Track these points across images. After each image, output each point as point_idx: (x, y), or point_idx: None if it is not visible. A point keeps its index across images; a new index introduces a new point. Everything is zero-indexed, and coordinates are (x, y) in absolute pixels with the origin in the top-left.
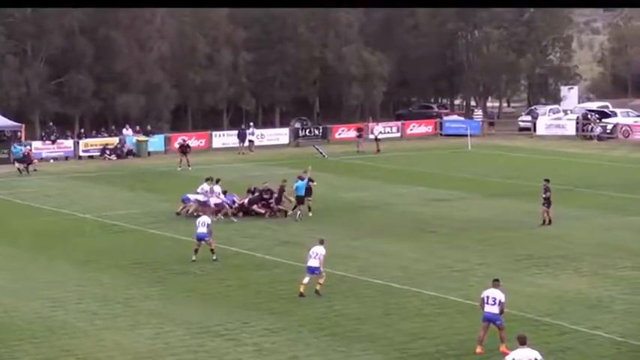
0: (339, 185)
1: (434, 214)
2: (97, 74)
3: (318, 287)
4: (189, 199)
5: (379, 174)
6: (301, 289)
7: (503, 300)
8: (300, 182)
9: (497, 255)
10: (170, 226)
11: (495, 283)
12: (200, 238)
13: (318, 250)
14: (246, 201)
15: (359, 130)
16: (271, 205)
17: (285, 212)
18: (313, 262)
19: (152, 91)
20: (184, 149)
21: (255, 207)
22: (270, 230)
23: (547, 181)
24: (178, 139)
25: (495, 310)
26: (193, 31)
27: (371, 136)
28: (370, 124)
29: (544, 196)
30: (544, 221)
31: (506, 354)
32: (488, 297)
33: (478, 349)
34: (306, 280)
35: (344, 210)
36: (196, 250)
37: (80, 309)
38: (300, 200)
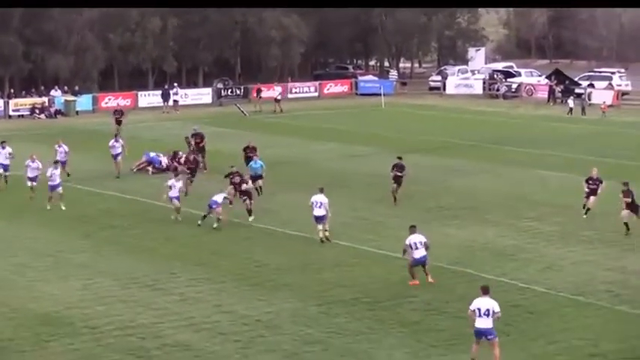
0: (259, 142)
1: (349, 170)
2: (26, 36)
3: (327, 234)
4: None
5: (297, 131)
6: (320, 235)
7: (427, 241)
8: (254, 162)
9: (409, 207)
10: (97, 182)
11: (413, 229)
12: (210, 206)
13: (321, 199)
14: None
15: (258, 91)
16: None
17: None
18: (319, 212)
19: (81, 52)
20: (119, 117)
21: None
22: (195, 186)
23: (400, 158)
24: (105, 99)
25: (423, 252)
26: None
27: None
28: (274, 85)
29: (399, 174)
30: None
31: (433, 281)
32: (415, 243)
33: (414, 282)
34: (320, 226)
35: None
36: (204, 217)
37: (12, 262)
38: (254, 179)
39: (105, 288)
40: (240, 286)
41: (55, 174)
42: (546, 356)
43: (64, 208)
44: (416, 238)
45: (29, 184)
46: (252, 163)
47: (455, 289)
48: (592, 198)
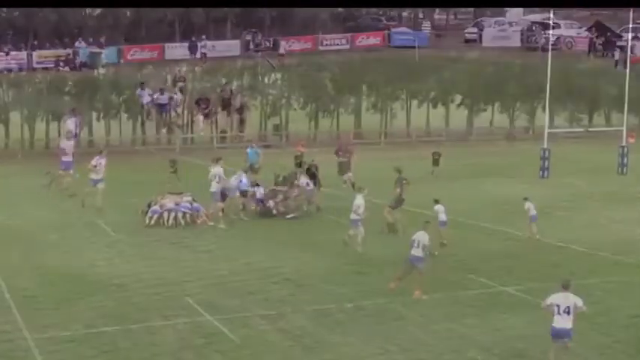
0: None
1: (382, 124)
2: None
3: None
4: None
5: (329, 85)
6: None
7: (427, 243)
8: (250, 149)
9: (444, 164)
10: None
11: (426, 224)
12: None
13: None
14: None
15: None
16: None
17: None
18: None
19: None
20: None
21: None
22: None
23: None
24: (131, 51)
25: (420, 253)
26: None
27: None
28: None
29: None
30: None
31: (419, 298)
32: (414, 240)
33: (392, 285)
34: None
35: (297, 122)
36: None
37: (37, 218)
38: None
39: (132, 246)
40: (270, 244)
41: (244, 178)
42: (585, 317)
43: (220, 224)
44: (416, 236)
45: None
46: (249, 149)
47: (491, 248)
48: None
